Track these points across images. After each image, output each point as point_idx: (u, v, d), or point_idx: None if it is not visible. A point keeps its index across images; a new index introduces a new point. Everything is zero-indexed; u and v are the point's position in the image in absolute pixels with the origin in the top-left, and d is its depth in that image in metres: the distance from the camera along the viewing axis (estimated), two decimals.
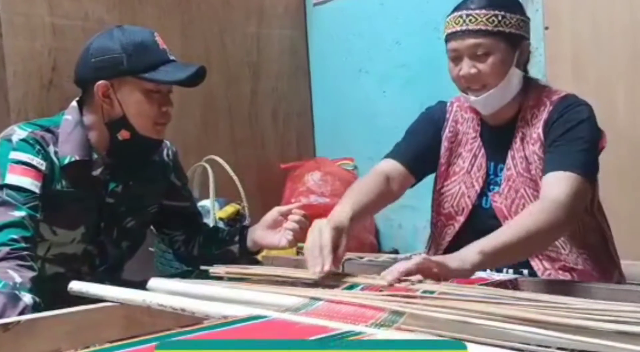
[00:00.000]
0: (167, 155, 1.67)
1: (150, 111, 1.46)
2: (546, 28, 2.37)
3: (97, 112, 1.48)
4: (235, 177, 2.48)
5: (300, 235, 1.53)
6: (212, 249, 1.65)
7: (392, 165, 1.54)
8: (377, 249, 2.84)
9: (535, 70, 2.38)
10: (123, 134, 1.47)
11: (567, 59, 2.35)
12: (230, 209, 2.44)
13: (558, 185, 1.32)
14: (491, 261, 1.19)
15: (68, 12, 2.46)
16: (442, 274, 1.09)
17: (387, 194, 1.50)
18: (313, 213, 2.67)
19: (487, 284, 1.26)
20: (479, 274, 1.38)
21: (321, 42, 3.20)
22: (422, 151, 1.57)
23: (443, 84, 1.58)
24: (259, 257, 2.02)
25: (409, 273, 1.06)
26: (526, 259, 1.39)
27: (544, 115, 1.44)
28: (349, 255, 1.74)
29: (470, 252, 1.17)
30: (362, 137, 3.02)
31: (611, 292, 1.30)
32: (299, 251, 2.43)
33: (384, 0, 2.91)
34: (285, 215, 1.57)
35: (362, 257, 2.00)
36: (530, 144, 1.44)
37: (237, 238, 1.63)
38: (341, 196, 2.90)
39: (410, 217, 2.71)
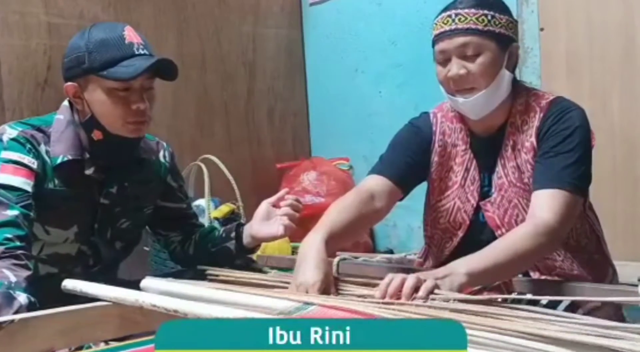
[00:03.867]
0: (164, 156, 1.66)
1: (116, 110, 1.42)
2: (541, 29, 2.38)
3: (76, 112, 1.48)
4: (230, 177, 2.48)
5: (295, 218, 1.51)
6: (208, 247, 1.65)
7: (377, 182, 1.47)
8: (372, 248, 2.84)
9: (530, 70, 2.40)
10: (96, 134, 1.45)
11: (562, 60, 2.36)
12: (225, 208, 2.45)
13: (549, 206, 1.29)
14: (477, 281, 1.18)
15: (63, 11, 2.45)
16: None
17: (369, 214, 1.43)
18: (308, 213, 2.68)
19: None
20: None
21: (317, 42, 3.20)
22: (410, 165, 1.51)
23: (438, 85, 1.58)
24: (254, 256, 2.02)
25: (404, 295, 1.06)
26: (510, 278, 1.36)
27: (535, 122, 1.40)
28: (343, 255, 1.74)
29: (458, 274, 1.14)
30: (357, 136, 3.03)
31: (603, 293, 1.30)
32: (294, 251, 2.43)
33: (380, 0, 2.91)
34: (275, 204, 1.55)
35: (357, 257, 2.00)
36: (522, 152, 1.40)
37: (233, 234, 1.62)
38: (337, 195, 2.92)
39: (404, 217, 2.72)
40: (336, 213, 1.37)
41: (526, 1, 2.39)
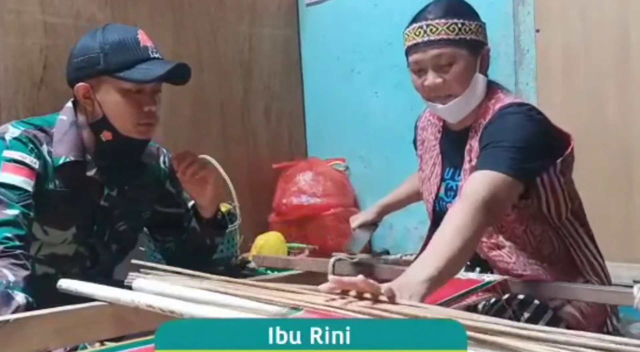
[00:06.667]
0: (164, 162, 1.67)
1: (129, 112, 1.43)
2: (537, 30, 2.38)
3: (83, 112, 1.48)
4: (226, 177, 2.47)
5: (198, 166, 1.52)
6: (183, 239, 1.67)
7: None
8: (368, 249, 2.84)
9: (526, 72, 2.40)
10: (106, 135, 1.46)
11: (558, 61, 2.36)
12: (221, 208, 2.44)
13: (476, 182, 1.26)
14: (438, 283, 1.07)
15: (60, 10, 2.45)
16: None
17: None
18: (305, 213, 2.68)
19: (478, 288, 1.27)
20: (469, 275, 1.39)
21: (314, 42, 3.20)
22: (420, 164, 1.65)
23: None
24: (250, 257, 2.02)
25: (350, 286, 0.93)
26: (463, 267, 1.32)
27: (483, 125, 1.41)
28: (339, 255, 1.75)
29: (417, 284, 1.03)
30: (353, 137, 3.03)
31: (597, 293, 1.31)
32: (290, 251, 2.43)
33: (377, 1, 2.91)
34: (183, 171, 1.53)
35: (353, 258, 2.00)
36: (475, 157, 1.40)
37: (192, 212, 1.66)
38: (332, 196, 2.92)
39: (401, 217, 2.71)
40: (400, 186, 1.83)
41: (522, 2, 2.39)
